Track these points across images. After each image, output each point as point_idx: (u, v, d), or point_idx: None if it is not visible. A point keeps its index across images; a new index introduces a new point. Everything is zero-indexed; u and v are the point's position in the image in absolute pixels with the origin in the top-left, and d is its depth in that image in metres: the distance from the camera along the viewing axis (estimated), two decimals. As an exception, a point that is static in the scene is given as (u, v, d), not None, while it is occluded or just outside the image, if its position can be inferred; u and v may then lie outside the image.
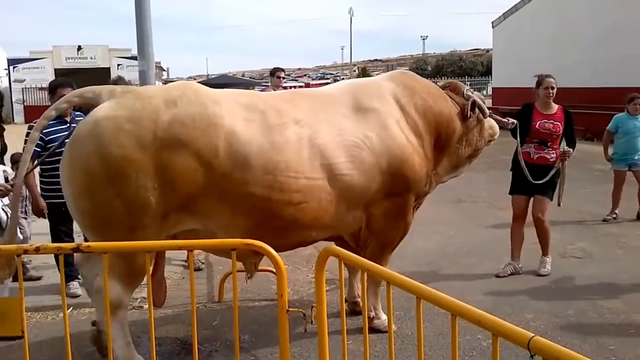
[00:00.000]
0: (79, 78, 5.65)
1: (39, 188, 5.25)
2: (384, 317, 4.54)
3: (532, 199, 5.88)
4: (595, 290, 5.37)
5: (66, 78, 5.57)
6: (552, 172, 5.72)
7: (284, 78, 8.49)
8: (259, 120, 3.79)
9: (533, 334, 1.84)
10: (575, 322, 4.69)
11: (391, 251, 4.65)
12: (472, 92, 4.97)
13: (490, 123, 5.11)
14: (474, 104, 4.81)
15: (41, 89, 32.50)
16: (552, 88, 5.80)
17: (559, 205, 5.90)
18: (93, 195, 3.46)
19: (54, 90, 5.19)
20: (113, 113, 3.50)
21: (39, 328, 4.65)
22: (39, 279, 5.66)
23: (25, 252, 2.94)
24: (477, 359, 4.10)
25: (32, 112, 21.00)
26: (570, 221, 7.65)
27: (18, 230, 4.34)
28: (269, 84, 8.31)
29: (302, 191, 3.82)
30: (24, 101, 32.81)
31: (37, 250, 2.88)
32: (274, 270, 3.12)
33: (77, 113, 5.29)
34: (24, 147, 5.10)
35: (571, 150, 5.74)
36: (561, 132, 5.78)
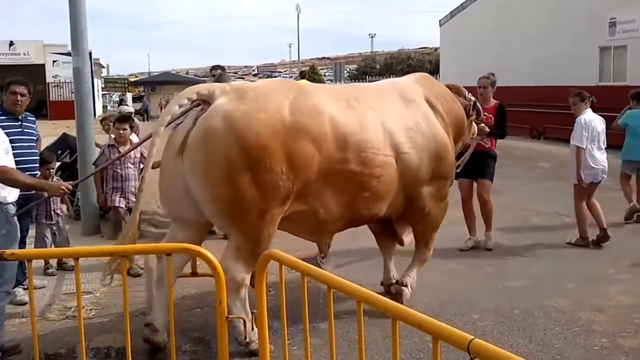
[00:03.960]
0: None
1: None
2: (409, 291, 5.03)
3: (475, 183, 6.69)
4: (541, 290, 5.42)
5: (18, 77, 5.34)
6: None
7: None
8: (346, 107, 4.38)
9: (473, 337, 1.81)
10: (522, 322, 4.70)
11: (436, 231, 5.20)
12: (470, 95, 5.53)
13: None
14: (475, 104, 5.41)
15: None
16: (484, 87, 6.65)
17: None
18: (232, 182, 3.82)
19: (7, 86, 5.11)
20: (241, 106, 3.89)
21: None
22: None
23: None
24: (423, 361, 4.05)
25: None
26: (516, 220, 7.75)
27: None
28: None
29: (381, 166, 4.43)
30: (-51, 100, 31.52)
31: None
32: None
33: (26, 113, 5.31)
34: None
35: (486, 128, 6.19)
36: (492, 123, 6.45)
